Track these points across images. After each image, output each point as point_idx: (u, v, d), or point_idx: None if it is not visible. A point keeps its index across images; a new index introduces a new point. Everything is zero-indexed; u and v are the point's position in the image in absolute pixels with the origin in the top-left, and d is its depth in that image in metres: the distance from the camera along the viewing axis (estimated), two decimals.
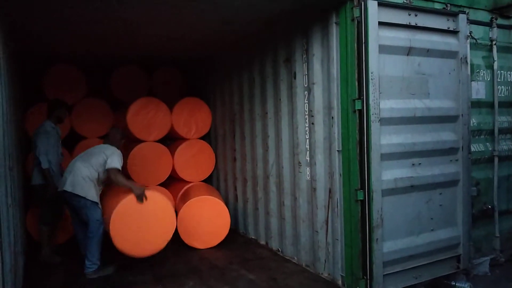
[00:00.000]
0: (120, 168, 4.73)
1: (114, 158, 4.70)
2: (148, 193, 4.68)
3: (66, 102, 5.60)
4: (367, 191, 3.77)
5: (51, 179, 5.09)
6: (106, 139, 5.18)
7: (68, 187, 4.60)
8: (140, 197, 4.62)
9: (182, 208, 5.48)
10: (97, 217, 4.64)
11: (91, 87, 7.09)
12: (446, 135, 4.24)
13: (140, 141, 6.46)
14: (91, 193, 4.66)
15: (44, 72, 6.70)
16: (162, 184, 6.61)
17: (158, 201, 4.76)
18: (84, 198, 4.61)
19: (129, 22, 4.64)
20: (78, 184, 4.61)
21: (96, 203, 4.69)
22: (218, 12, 4.42)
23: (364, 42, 3.73)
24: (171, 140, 7.16)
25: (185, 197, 5.91)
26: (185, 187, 6.50)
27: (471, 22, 4.47)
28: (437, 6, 4.41)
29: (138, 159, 6.33)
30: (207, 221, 5.53)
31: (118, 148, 4.94)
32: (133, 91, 7.09)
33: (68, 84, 6.74)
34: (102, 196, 4.93)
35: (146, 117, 6.45)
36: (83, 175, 4.64)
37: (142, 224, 4.61)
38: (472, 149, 4.55)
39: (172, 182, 6.83)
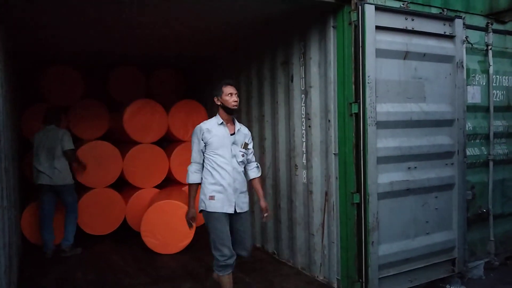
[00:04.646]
0: (73, 147, 5.52)
1: (69, 141, 5.44)
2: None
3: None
4: (363, 194, 3.78)
5: None
6: (53, 122, 5.51)
7: (61, 181, 5.37)
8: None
9: (142, 234, 5.42)
10: (75, 198, 5.58)
11: (88, 87, 7.07)
12: (442, 139, 4.26)
13: (136, 143, 6.44)
14: (71, 177, 5.55)
15: (41, 73, 6.68)
16: (158, 186, 6.60)
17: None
18: (69, 184, 5.47)
19: (128, 22, 4.64)
20: (65, 176, 5.42)
21: (73, 184, 5.57)
22: (217, 14, 4.43)
23: (361, 46, 3.75)
24: (167, 142, 7.14)
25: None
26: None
27: (467, 27, 4.49)
28: (434, 10, 4.44)
29: (134, 161, 6.31)
30: (171, 224, 5.37)
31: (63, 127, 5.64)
32: (131, 92, 7.08)
33: (65, 84, 6.72)
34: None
35: (143, 119, 6.43)
36: (64, 166, 5.42)
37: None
38: (468, 153, 4.56)
39: (168, 184, 6.81)
